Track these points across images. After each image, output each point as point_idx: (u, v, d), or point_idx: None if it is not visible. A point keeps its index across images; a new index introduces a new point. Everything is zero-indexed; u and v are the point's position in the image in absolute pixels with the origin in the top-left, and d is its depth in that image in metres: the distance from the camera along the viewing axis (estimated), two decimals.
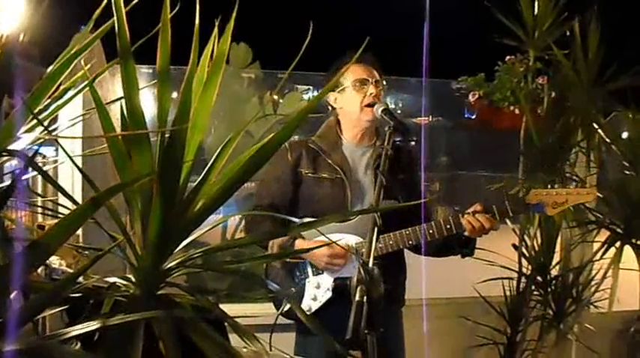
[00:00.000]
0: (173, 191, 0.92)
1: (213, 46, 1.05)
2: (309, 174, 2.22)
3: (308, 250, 2.01)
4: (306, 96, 3.72)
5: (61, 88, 1.31)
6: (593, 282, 2.89)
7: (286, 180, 2.22)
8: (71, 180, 2.81)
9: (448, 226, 2.08)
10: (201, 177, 1.03)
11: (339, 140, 2.28)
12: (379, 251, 2.07)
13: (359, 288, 1.35)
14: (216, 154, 1.06)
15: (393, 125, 2.10)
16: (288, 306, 2.08)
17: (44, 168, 1.29)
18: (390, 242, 2.10)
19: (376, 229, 1.60)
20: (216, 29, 1.06)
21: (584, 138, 2.87)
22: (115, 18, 0.89)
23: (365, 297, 1.33)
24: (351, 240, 2.14)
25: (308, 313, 2.12)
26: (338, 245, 2.05)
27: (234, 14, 1.00)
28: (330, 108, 2.31)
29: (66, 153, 0.91)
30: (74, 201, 0.99)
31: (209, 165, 1.04)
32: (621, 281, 2.67)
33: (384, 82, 2.28)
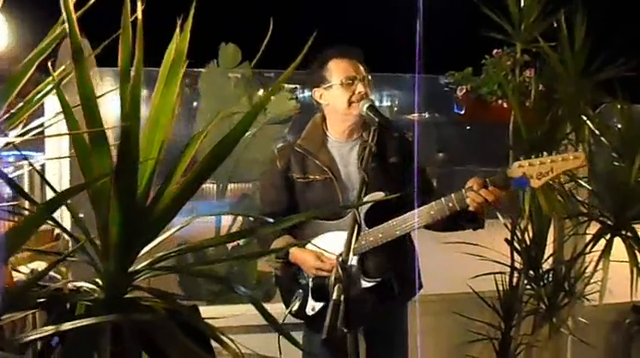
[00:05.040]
0: (131, 191, 0.90)
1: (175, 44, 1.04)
2: (300, 178, 2.23)
3: (280, 250, 2.09)
4: (294, 95, 3.71)
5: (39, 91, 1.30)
6: (585, 275, 2.87)
7: (280, 187, 2.25)
8: (59, 182, 2.80)
9: (450, 204, 2.02)
10: (164, 178, 1.01)
11: (325, 138, 2.27)
12: (369, 245, 2.09)
13: (336, 287, 1.34)
14: (182, 155, 1.05)
15: (378, 122, 2.10)
16: (296, 306, 2.15)
17: (15, 173, 1.28)
18: (380, 235, 2.09)
19: (356, 227, 1.59)
20: (178, 28, 1.05)
21: (573, 130, 2.85)
22: (65, 20, 0.88)
23: (342, 296, 1.32)
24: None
25: (312, 313, 2.18)
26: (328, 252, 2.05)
27: (191, 12, 0.99)
28: (316, 103, 2.30)
29: (26, 158, 0.89)
30: (34, 203, 0.98)
31: (175, 166, 1.03)
32: (615, 274, 2.65)
33: (369, 77, 2.25)
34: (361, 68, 2.20)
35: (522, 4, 2.86)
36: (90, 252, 1.05)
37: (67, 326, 0.83)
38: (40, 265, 1.91)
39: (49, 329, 0.84)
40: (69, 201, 1.08)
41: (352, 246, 1.52)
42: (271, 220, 1.20)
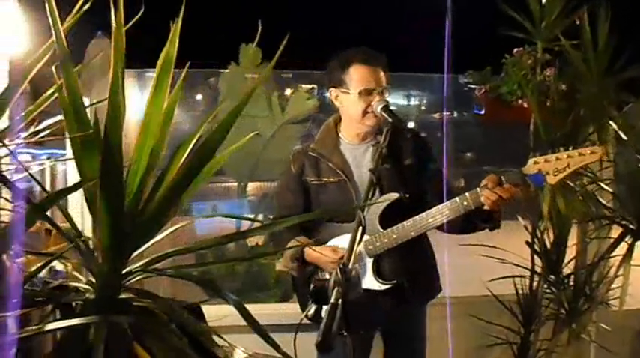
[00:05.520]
0: (118, 193, 0.92)
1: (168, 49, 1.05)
2: (314, 182, 2.23)
3: (293, 247, 2.10)
4: (311, 95, 3.72)
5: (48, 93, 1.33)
6: (606, 280, 2.79)
7: (296, 191, 2.26)
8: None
9: (465, 203, 1.99)
10: (155, 180, 1.03)
11: (338, 141, 2.26)
12: (384, 247, 2.08)
13: (335, 290, 1.33)
14: (171, 158, 1.06)
15: (391, 122, 2.09)
16: (312, 311, 2.11)
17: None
18: (394, 236, 2.07)
19: (361, 229, 1.58)
20: (171, 34, 1.06)
21: (595, 130, 2.77)
22: (51, 24, 0.89)
23: (340, 299, 1.31)
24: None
25: None
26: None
27: (180, 16, 1.00)
28: (331, 102, 2.29)
29: (16, 159, 0.92)
30: (28, 201, 1.00)
31: (164, 168, 1.04)
32: (638, 279, 2.57)
33: (389, 86, 2.21)
34: (382, 78, 2.16)
35: (543, 1, 2.79)
36: (85, 253, 1.07)
37: (50, 326, 0.85)
38: (56, 264, 1.95)
39: (33, 329, 0.86)
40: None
41: (355, 249, 1.51)
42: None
